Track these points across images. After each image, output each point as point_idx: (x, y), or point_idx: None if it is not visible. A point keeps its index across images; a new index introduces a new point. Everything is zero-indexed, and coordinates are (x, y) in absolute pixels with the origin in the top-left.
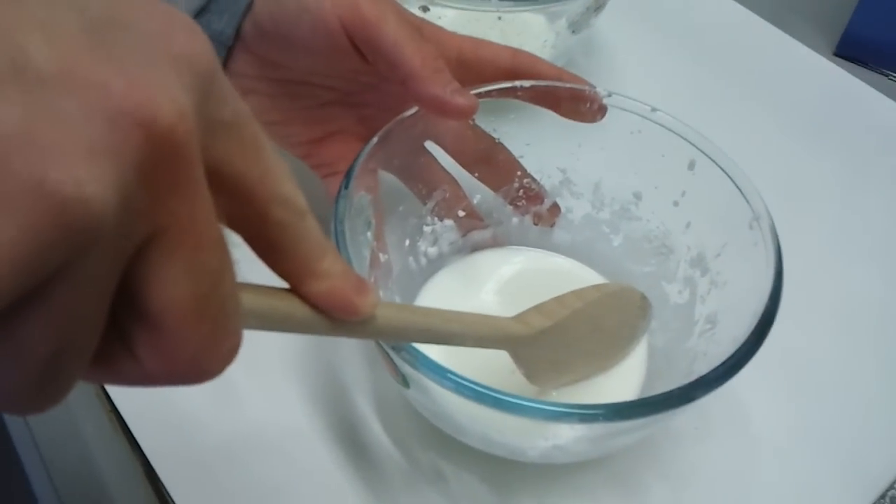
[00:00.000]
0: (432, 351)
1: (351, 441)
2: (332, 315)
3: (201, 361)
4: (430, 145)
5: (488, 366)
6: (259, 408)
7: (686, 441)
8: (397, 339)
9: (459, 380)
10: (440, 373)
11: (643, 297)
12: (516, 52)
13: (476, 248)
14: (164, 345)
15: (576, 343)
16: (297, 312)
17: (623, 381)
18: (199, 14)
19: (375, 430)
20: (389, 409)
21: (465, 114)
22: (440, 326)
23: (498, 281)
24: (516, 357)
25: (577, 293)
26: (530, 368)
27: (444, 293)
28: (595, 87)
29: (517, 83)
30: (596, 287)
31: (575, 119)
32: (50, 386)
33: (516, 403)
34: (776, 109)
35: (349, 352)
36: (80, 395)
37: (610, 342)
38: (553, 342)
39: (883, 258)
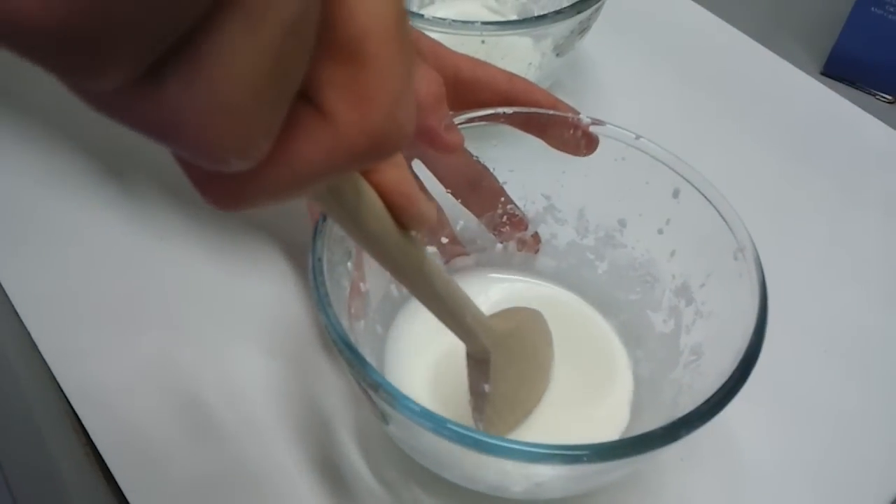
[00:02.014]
0: (412, 391)
1: (332, 475)
2: (397, 202)
3: (399, 107)
4: (416, 167)
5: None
6: (238, 442)
7: (673, 472)
8: (401, 271)
9: (438, 420)
10: (419, 413)
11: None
12: (513, 77)
13: (459, 274)
14: (362, 80)
15: (520, 362)
16: (366, 189)
17: (611, 413)
18: None
19: (357, 464)
20: (371, 444)
21: (451, 151)
22: (442, 286)
23: (481, 307)
24: (479, 369)
25: (503, 313)
26: (488, 397)
27: (426, 321)
28: (579, 114)
29: (500, 110)
30: (515, 309)
31: (565, 151)
32: (277, 85)
33: (497, 445)
34: (763, 128)
35: (331, 385)
36: (56, 429)
37: (541, 367)
38: (510, 354)
39: (872, 281)
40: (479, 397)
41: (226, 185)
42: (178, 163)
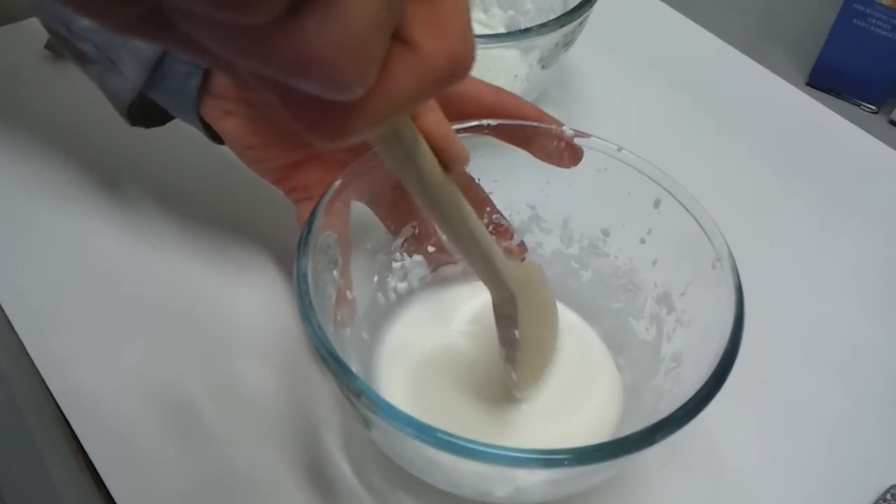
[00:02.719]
0: (397, 397)
1: (319, 481)
2: (439, 143)
3: (468, 34)
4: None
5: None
6: (228, 447)
7: (655, 478)
8: (445, 211)
9: (418, 426)
10: (400, 419)
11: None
12: (499, 91)
13: (446, 283)
14: (440, 13)
15: (538, 308)
16: (418, 132)
17: (599, 417)
18: None
19: (343, 469)
20: (357, 449)
21: None
22: (476, 227)
23: (468, 315)
24: (507, 318)
25: (512, 264)
26: (518, 343)
27: (414, 327)
28: (563, 126)
29: (484, 122)
30: (517, 263)
31: (550, 162)
32: (388, 17)
33: (478, 450)
34: (748, 139)
35: (319, 391)
36: (47, 434)
37: (552, 314)
38: (529, 298)
39: (854, 290)
40: (509, 347)
41: (334, 119)
42: (286, 109)
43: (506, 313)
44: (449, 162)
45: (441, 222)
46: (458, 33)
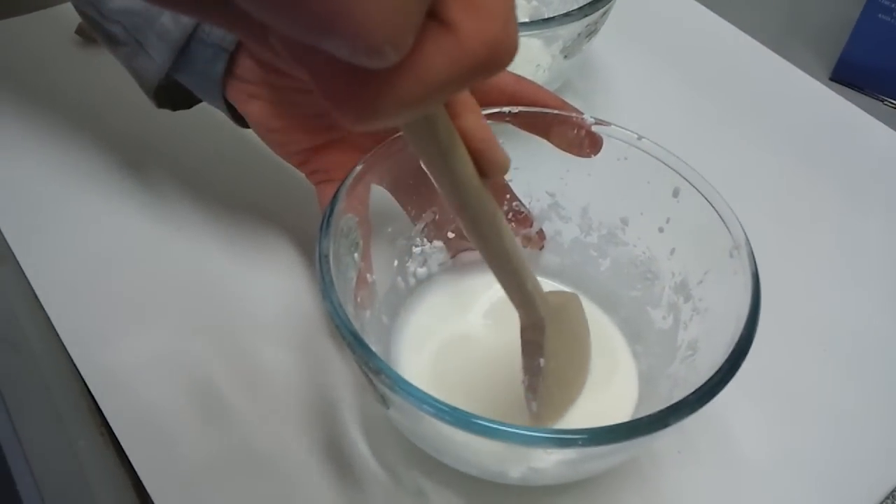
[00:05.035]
0: (415, 378)
1: (337, 460)
2: (478, 146)
3: (511, 19)
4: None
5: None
6: (247, 425)
7: (670, 465)
8: (478, 220)
9: (435, 403)
10: (416, 396)
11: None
12: (520, 80)
13: (466, 269)
14: None
15: (569, 341)
16: (455, 130)
17: (616, 404)
18: None
19: (361, 448)
20: (375, 429)
21: None
22: (510, 242)
23: (486, 302)
24: (533, 344)
25: (549, 293)
26: (542, 372)
27: (432, 312)
28: (583, 114)
29: (505, 109)
30: (556, 292)
31: (569, 151)
32: None
33: (493, 428)
34: (771, 133)
35: (338, 373)
36: (74, 410)
37: (584, 351)
38: (560, 329)
39: (874, 284)
40: (533, 375)
41: (362, 96)
42: (315, 82)
43: (532, 338)
44: (487, 167)
45: (472, 231)
46: (500, 17)
